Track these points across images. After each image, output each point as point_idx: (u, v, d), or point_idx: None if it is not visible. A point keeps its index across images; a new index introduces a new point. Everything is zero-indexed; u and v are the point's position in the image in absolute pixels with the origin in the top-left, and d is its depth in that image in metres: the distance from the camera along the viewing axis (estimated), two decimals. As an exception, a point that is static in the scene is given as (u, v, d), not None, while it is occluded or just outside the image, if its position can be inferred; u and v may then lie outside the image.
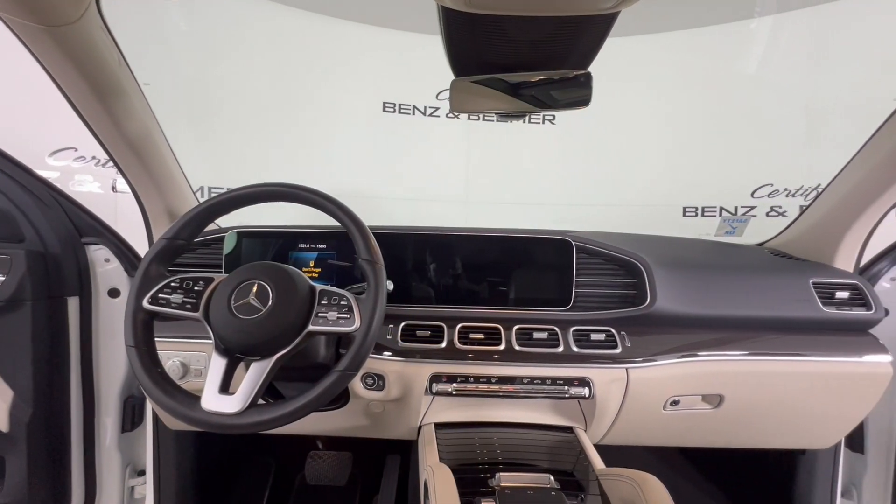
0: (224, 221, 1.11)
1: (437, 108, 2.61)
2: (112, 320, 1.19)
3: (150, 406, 1.23)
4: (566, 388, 0.97)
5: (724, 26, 2.39)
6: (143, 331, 0.78)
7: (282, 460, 1.68)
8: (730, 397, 1.03)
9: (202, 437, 1.33)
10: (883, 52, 2.08)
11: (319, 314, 0.77)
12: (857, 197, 1.06)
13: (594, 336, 1.00)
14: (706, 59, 2.45)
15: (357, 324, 0.75)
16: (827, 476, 1.24)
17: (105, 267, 1.18)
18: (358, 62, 2.52)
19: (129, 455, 1.28)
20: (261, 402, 0.74)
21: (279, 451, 1.69)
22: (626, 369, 0.97)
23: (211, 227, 1.16)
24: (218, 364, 0.75)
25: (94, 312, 1.18)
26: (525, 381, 0.98)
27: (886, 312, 1.05)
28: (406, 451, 1.61)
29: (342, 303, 0.77)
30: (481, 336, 1.00)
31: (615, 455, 0.99)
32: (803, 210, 1.26)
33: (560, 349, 0.98)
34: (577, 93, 0.78)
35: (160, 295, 0.79)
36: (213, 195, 0.86)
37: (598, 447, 0.97)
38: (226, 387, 0.74)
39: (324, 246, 1.09)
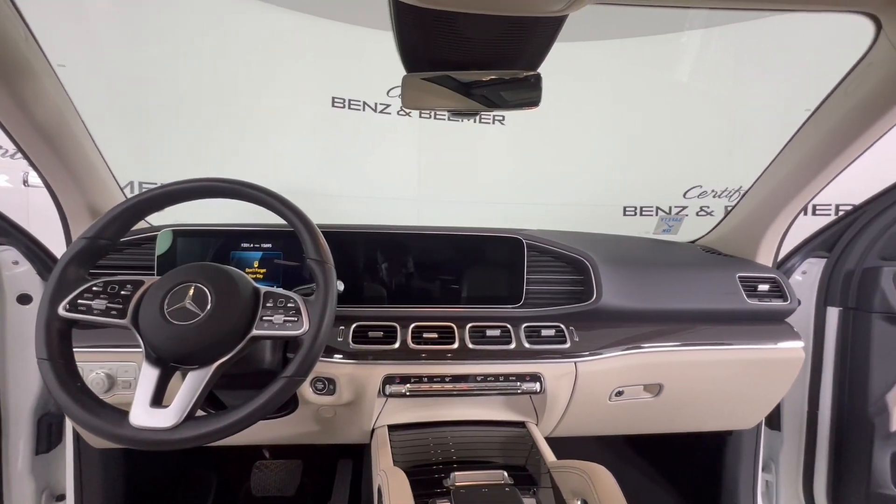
0: (157, 219, 1.02)
1: (388, 105, 2.58)
2: (22, 329, 1.06)
3: (69, 423, 1.11)
4: (518, 383, 0.99)
5: (661, 37, 2.55)
6: (59, 341, 0.70)
7: (224, 474, 1.58)
8: (668, 386, 1.10)
9: (132, 454, 1.22)
10: (796, 67, 2.30)
11: (264, 317, 0.72)
12: (774, 199, 1.16)
13: (544, 332, 1.03)
14: (646, 67, 2.61)
15: (305, 326, 0.72)
16: (751, 453, 1.36)
17: (13, 270, 1.05)
18: (306, 55, 2.43)
19: (46, 479, 1.15)
20: (200, 413, 0.69)
21: (221, 464, 1.59)
22: (575, 363, 1.01)
23: (141, 225, 1.06)
24: (149, 375, 0.69)
25: (1, 321, 1.05)
26: (478, 378, 0.98)
27: (799, 302, 1.16)
28: (358, 455, 1.57)
29: (289, 305, 0.73)
30: (435, 335, 1.00)
31: (564, 446, 1.03)
32: (728, 210, 1.37)
33: (512, 346, 1.00)
34: (526, 93, 0.79)
35: (80, 301, 0.71)
36: (144, 190, 0.79)
37: (548, 440, 1.00)
38: (158, 399, 0.68)
39: (269, 245, 1.03)
